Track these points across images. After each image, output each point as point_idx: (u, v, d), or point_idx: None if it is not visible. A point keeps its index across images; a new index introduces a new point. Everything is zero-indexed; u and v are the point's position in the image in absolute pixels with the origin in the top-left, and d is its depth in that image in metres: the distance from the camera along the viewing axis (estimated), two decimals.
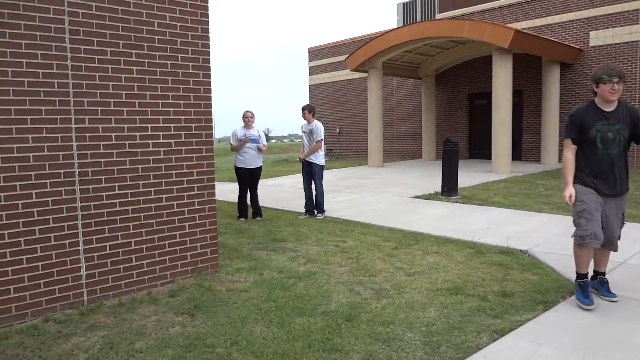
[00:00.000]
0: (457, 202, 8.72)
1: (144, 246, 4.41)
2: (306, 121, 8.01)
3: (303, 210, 8.04)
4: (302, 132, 8.15)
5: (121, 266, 4.28)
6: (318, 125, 7.90)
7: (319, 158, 7.91)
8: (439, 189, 9.43)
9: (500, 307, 3.87)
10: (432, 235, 6.29)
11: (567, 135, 3.94)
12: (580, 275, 3.91)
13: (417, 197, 9.36)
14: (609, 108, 3.81)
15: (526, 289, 4.27)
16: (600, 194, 3.81)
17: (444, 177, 9.27)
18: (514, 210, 7.85)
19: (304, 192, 8.04)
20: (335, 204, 8.84)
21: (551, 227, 6.54)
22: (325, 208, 7.98)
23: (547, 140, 15.16)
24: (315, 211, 7.92)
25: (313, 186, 7.94)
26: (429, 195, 9.44)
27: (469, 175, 12.14)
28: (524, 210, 7.78)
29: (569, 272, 4.64)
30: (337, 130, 22.92)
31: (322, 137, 7.88)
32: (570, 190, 3.84)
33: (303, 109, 8.01)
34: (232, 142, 7.90)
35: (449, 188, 9.14)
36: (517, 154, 15.96)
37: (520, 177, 11.87)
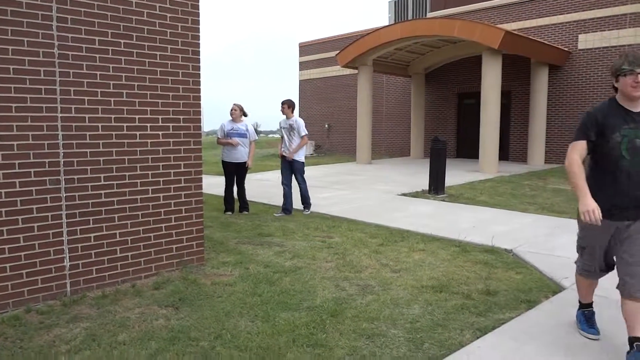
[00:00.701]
0: (443, 200, 8.77)
1: (128, 238, 4.37)
2: (285, 116, 7.82)
3: (288, 207, 7.72)
4: (281, 127, 7.95)
5: (105, 258, 4.24)
6: (299, 121, 7.74)
7: (300, 154, 7.76)
8: (427, 187, 9.47)
9: (484, 305, 3.90)
10: (419, 233, 6.33)
11: (581, 136, 3.02)
12: (584, 305, 3.43)
13: (405, 194, 9.39)
14: (636, 108, 2.95)
15: (510, 288, 4.31)
16: (620, 220, 2.98)
17: (431, 176, 9.32)
18: (499, 209, 7.91)
19: (283, 190, 7.75)
20: (323, 200, 8.84)
21: (536, 227, 6.61)
22: (311, 202, 7.91)
23: (534, 141, 15.31)
24: (302, 207, 7.85)
25: (294, 183, 7.77)
26: (416, 193, 9.48)
27: (456, 174, 12.20)
28: (510, 210, 7.84)
29: (552, 271, 4.70)
30: (326, 126, 22.91)
31: (307, 132, 7.77)
32: (590, 203, 2.86)
33: (283, 103, 7.80)
34: (219, 136, 7.87)
35: (436, 186, 9.19)
36: (504, 154, 16.09)
37: (506, 177, 11.98)
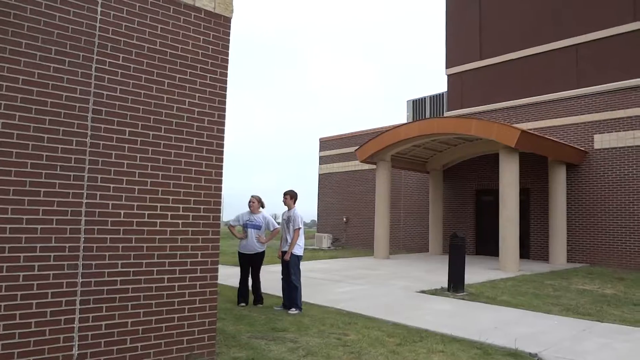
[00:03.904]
0: (463, 298, 8.50)
1: (140, 327, 4.28)
2: (287, 207, 7.66)
3: (299, 302, 7.32)
4: (282, 219, 7.76)
5: (115, 347, 4.12)
6: (296, 213, 7.50)
7: (295, 247, 7.43)
8: (445, 285, 9.24)
9: None
10: (438, 333, 6.08)
11: None
12: None
13: (423, 291, 9.15)
14: None
15: None
16: None
17: (450, 273, 9.12)
18: (522, 310, 7.62)
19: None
20: (340, 295, 8.65)
21: (561, 330, 6.31)
22: (300, 304, 7.28)
23: (555, 240, 15.05)
24: (288, 305, 7.31)
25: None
26: (434, 290, 9.23)
27: (475, 272, 11.93)
28: (533, 311, 7.55)
29: None
30: (344, 219, 22.96)
31: (301, 226, 7.46)
32: None
33: (285, 194, 7.62)
34: (231, 223, 8.00)
35: (456, 284, 8.96)
36: (525, 252, 15.79)
37: (528, 275, 11.65)
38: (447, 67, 20.00)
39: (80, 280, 3.96)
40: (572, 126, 15.72)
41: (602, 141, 14.98)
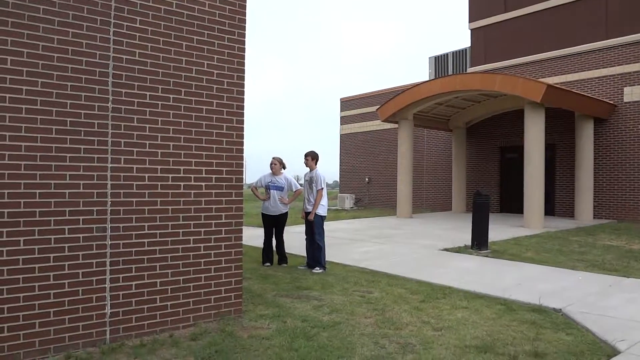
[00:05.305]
0: (487, 256, 8.51)
1: (169, 287, 4.41)
2: (308, 168, 7.69)
3: (323, 261, 7.40)
4: (304, 180, 7.77)
5: (145, 306, 4.27)
6: (319, 174, 7.52)
7: (319, 207, 7.48)
8: (469, 242, 9.23)
9: None
10: (461, 290, 6.12)
11: None
12: None
13: (447, 249, 9.18)
14: None
15: (560, 350, 4.06)
16: None
17: (474, 230, 9.09)
18: (546, 266, 7.59)
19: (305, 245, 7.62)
20: (363, 254, 8.73)
21: (586, 286, 6.29)
22: (324, 263, 7.34)
23: (581, 196, 14.81)
24: (312, 264, 7.39)
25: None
26: (458, 248, 9.25)
27: (499, 229, 11.88)
28: (558, 267, 7.51)
29: (606, 333, 4.42)
30: (366, 179, 22.95)
31: (323, 186, 7.50)
32: None
33: (306, 155, 7.65)
34: (254, 185, 8.06)
35: (479, 242, 8.94)
36: (550, 209, 15.60)
37: (553, 232, 11.56)
38: (470, 21, 19.37)
39: (109, 242, 4.08)
40: (600, 79, 15.19)
41: (633, 94, 14.46)
